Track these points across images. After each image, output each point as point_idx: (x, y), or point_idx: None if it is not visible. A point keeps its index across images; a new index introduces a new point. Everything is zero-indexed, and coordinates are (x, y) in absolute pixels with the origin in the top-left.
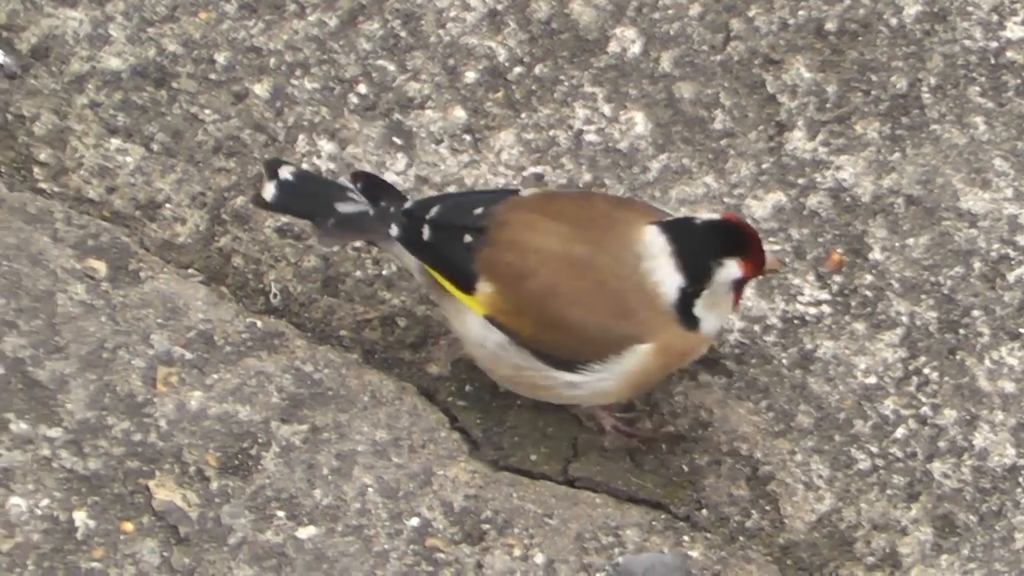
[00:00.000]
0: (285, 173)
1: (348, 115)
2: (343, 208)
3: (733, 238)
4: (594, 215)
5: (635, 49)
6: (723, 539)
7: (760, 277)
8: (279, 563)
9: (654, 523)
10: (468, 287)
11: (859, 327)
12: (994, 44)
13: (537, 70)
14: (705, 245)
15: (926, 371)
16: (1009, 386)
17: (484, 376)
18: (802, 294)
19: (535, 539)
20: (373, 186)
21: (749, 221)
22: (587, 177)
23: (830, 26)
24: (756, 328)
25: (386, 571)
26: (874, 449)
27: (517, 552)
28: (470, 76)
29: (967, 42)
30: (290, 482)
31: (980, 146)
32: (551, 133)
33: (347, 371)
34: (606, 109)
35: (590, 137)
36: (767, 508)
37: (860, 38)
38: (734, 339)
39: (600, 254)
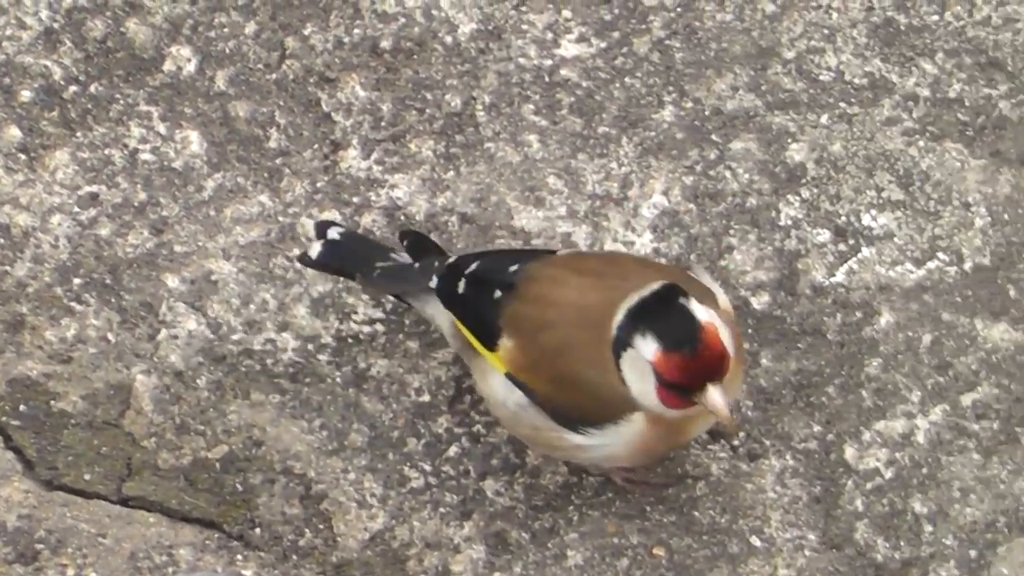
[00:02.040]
0: (333, 233)
1: None
2: (384, 265)
3: (677, 329)
4: (621, 271)
5: (190, 68)
6: (276, 558)
7: (695, 398)
8: None
9: (207, 542)
10: (491, 343)
11: (412, 345)
12: (548, 62)
13: (93, 88)
14: (644, 315)
15: None
16: None
17: (39, 395)
18: (356, 312)
19: (88, 559)
20: (419, 244)
21: (303, 240)
22: (142, 196)
23: (385, 44)
24: (310, 347)
25: None
26: (427, 467)
27: (71, 572)
28: (25, 95)
29: (521, 60)
30: None
31: (534, 164)
32: (107, 152)
33: None
34: (161, 128)
35: (145, 156)
36: (320, 527)
37: (415, 56)
38: (288, 358)
39: (609, 306)
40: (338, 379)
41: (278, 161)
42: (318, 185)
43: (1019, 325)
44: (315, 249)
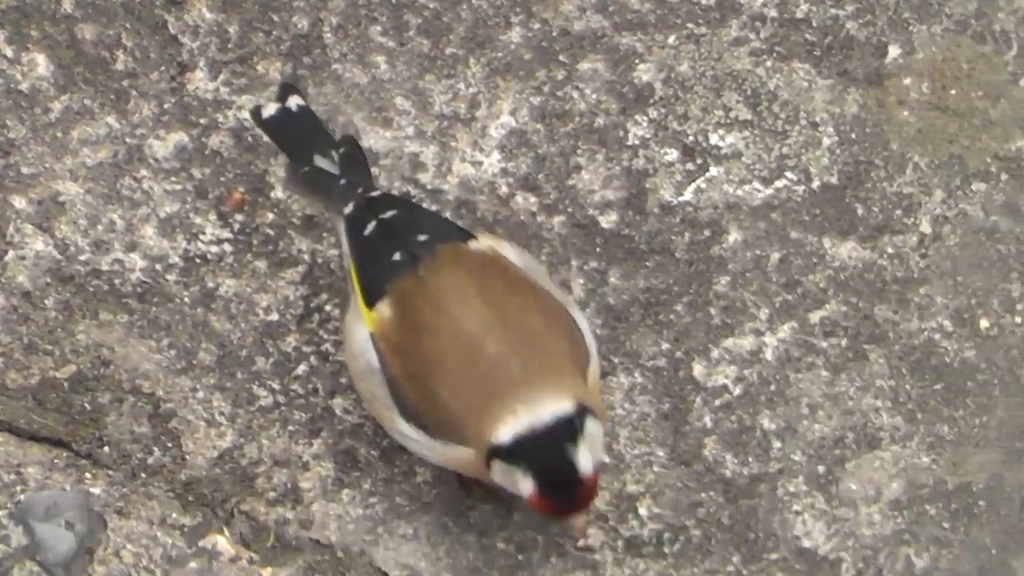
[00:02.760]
0: (292, 103)
1: None
2: (319, 162)
3: (558, 478)
4: (525, 332)
5: None
6: (125, 476)
7: (566, 513)
8: None
9: (56, 461)
10: (371, 300)
11: (260, 265)
12: None
13: None
14: (531, 444)
15: (328, 308)
16: None
17: None
18: (204, 233)
19: None
20: (352, 157)
21: (151, 161)
22: None
23: None
24: (158, 267)
25: None
26: (276, 386)
27: None
28: None
29: None
30: None
31: (381, 85)
32: None
33: None
34: (8, 51)
35: None
36: (169, 445)
37: None
38: (136, 278)
39: (499, 364)
40: (186, 299)
41: (125, 83)
42: (165, 107)
43: (866, 243)
44: (269, 110)
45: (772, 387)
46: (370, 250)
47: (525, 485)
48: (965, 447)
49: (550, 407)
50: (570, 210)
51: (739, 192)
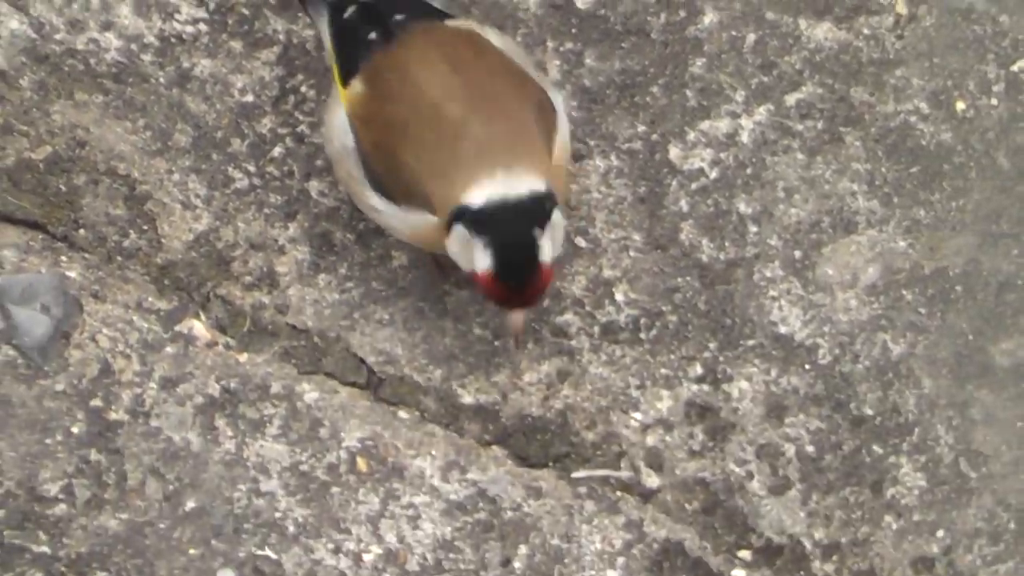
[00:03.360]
0: None
1: None
2: None
3: (511, 263)
4: (487, 92)
5: None
6: (101, 259)
7: (513, 304)
8: None
9: (32, 243)
10: (346, 79)
11: (236, 45)
12: None
13: None
14: (491, 221)
15: (303, 89)
16: None
17: None
18: (179, 12)
19: None
20: None
21: None
22: None
23: None
24: (133, 47)
25: None
26: (251, 168)
27: None
28: None
29: None
30: None
31: None
32: None
33: None
34: None
35: None
36: (145, 228)
37: None
38: (111, 58)
39: (462, 128)
40: (162, 79)
41: None
42: None
43: (842, 24)
44: None
45: (748, 170)
46: (349, 31)
47: (481, 260)
48: (941, 231)
49: (526, 182)
50: None
51: None
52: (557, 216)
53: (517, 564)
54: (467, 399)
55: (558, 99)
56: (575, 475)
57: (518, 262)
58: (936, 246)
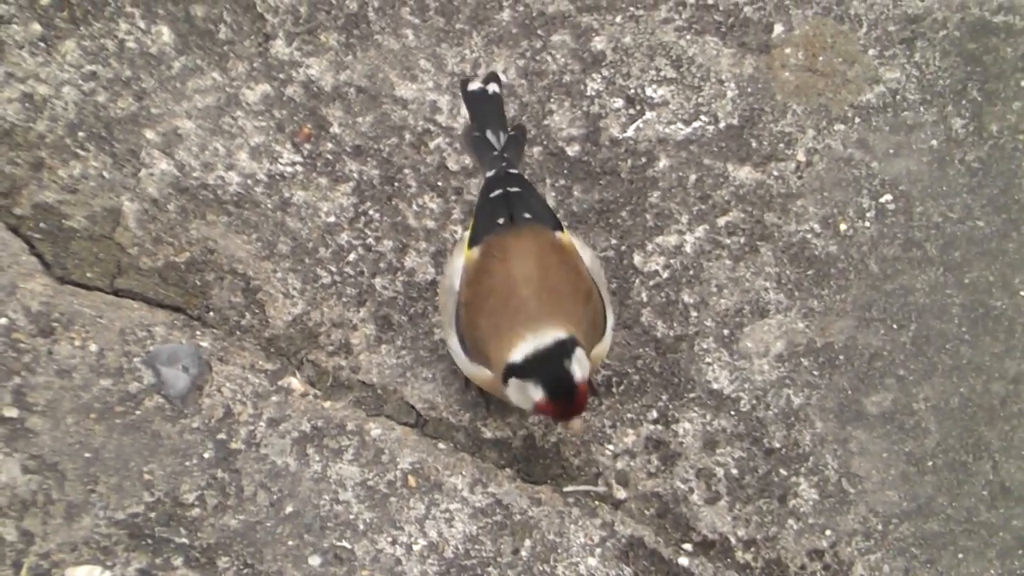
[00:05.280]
0: (491, 88)
1: None
2: (488, 135)
3: (559, 386)
4: (553, 284)
5: None
6: (225, 333)
7: (558, 421)
8: None
9: (175, 322)
10: (472, 243)
11: (323, 181)
12: None
13: None
14: (540, 363)
15: (371, 212)
16: (430, 223)
17: (54, 216)
18: (282, 157)
19: (90, 333)
20: (515, 140)
21: (244, 105)
22: (128, 72)
23: None
24: (249, 182)
25: None
26: (333, 269)
27: (77, 342)
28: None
29: None
30: None
31: (410, 51)
32: (102, 41)
33: None
34: (141, 23)
35: (131, 44)
36: (256, 311)
37: None
38: (233, 190)
39: (522, 305)
40: (269, 205)
41: (225, 48)
42: (255, 65)
43: (758, 168)
44: (474, 85)
45: (691, 272)
46: (489, 208)
47: (536, 394)
48: (829, 316)
49: (551, 334)
50: (545, 143)
51: (667, 130)
52: (580, 352)
53: (523, 553)
54: (488, 434)
55: (611, 314)
56: (566, 489)
57: (561, 386)
58: (825, 327)
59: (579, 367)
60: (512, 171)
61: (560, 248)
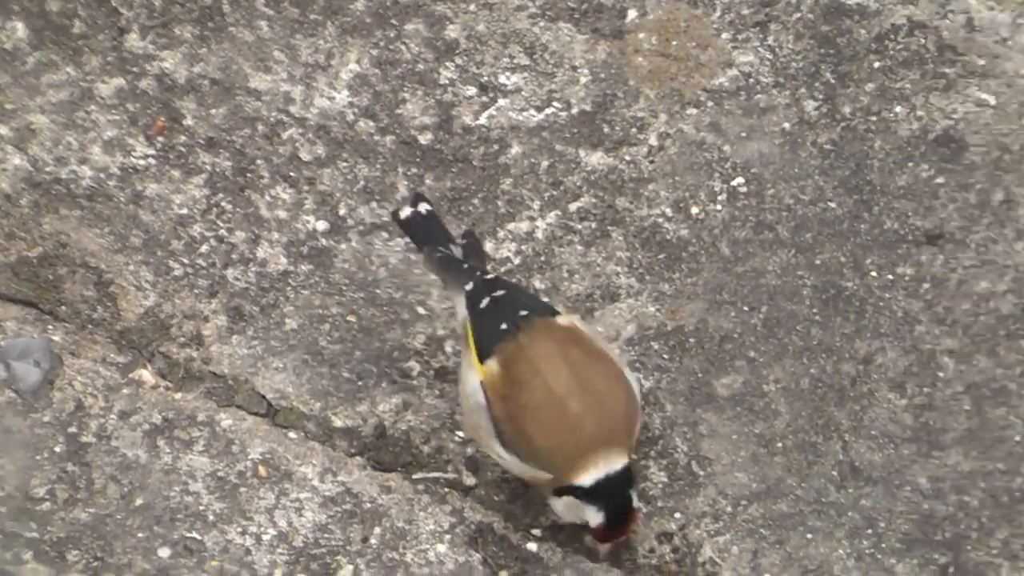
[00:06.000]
0: (422, 208)
1: None
2: (443, 252)
3: (614, 513)
4: (595, 390)
5: None
6: (77, 327)
7: (612, 540)
8: None
9: (27, 316)
10: (483, 357)
11: (176, 173)
12: None
13: None
14: (594, 488)
15: (223, 204)
16: (283, 214)
17: None
18: (135, 151)
19: None
20: (472, 247)
21: (98, 99)
22: None
23: None
24: (102, 175)
25: None
26: (186, 261)
27: None
28: None
29: None
30: None
31: (264, 42)
32: None
33: None
34: None
35: None
36: (108, 304)
37: None
38: (86, 183)
39: (579, 422)
40: (122, 198)
41: (80, 42)
42: (108, 59)
43: (610, 153)
44: (405, 212)
45: (542, 258)
46: (484, 319)
47: (595, 518)
48: (680, 299)
49: (617, 464)
50: (398, 131)
51: (519, 117)
52: (635, 478)
53: (373, 541)
54: (338, 423)
55: (634, 383)
56: (415, 476)
57: (622, 516)
58: (676, 310)
59: (636, 495)
60: (488, 277)
61: (574, 336)
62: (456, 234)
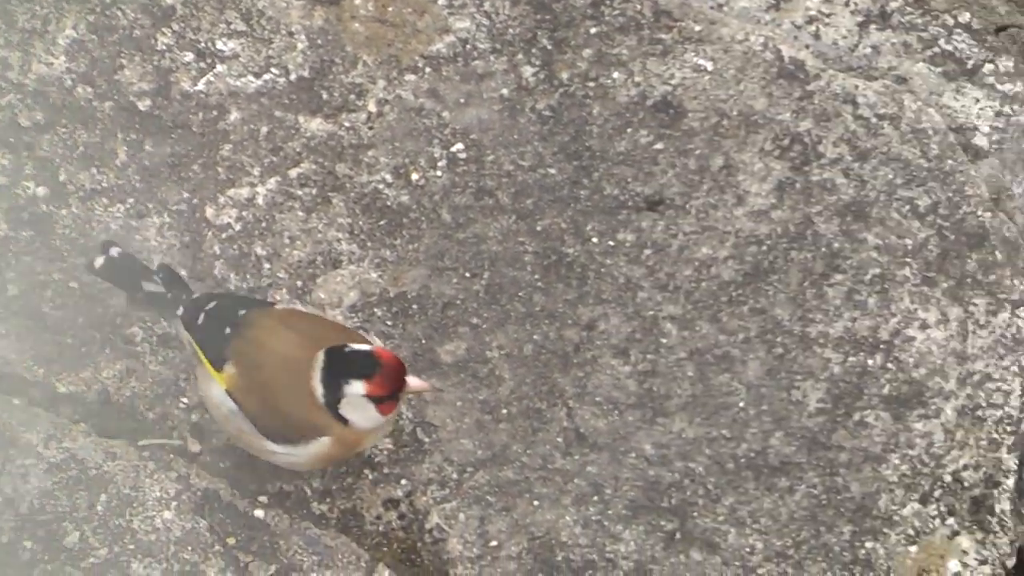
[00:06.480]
0: (113, 252)
1: None
2: (148, 287)
3: (365, 365)
4: (319, 334)
5: None
6: None
7: (400, 395)
8: None
9: None
10: (218, 366)
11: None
12: None
13: None
14: (340, 368)
15: None
16: (2, 179)
17: None
18: None
19: None
20: (171, 277)
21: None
22: None
23: None
24: None
25: None
26: None
27: None
28: None
29: None
30: None
31: None
32: None
33: None
34: None
35: None
36: None
37: None
38: None
39: (306, 363)
40: None
41: None
42: None
43: (330, 119)
44: (99, 261)
45: (263, 224)
46: (206, 333)
47: (359, 387)
48: (402, 266)
49: (320, 356)
50: (116, 97)
51: (238, 83)
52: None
53: (99, 507)
54: (62, 389)
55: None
56: (141, 443)
57: (359, 364)
58: (398, 277)
59: (361, 345)
60: (195, 296)
61: (295, 313)
62: (152, 270)
